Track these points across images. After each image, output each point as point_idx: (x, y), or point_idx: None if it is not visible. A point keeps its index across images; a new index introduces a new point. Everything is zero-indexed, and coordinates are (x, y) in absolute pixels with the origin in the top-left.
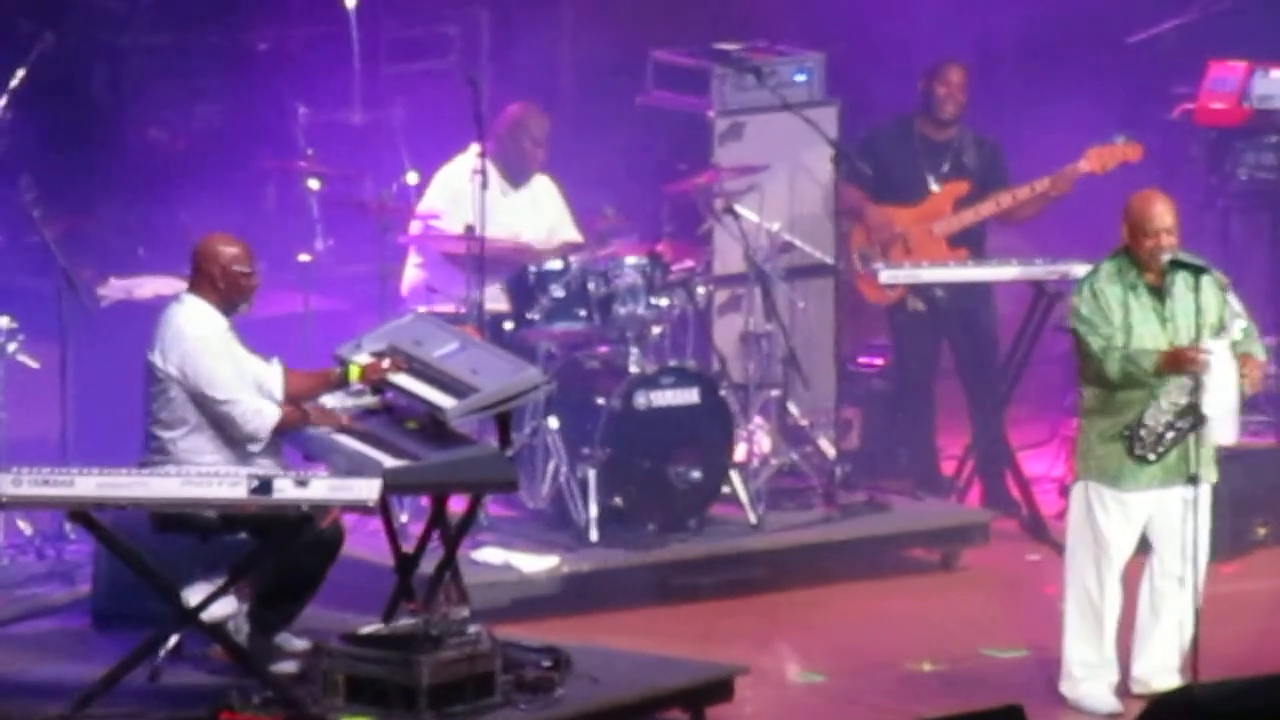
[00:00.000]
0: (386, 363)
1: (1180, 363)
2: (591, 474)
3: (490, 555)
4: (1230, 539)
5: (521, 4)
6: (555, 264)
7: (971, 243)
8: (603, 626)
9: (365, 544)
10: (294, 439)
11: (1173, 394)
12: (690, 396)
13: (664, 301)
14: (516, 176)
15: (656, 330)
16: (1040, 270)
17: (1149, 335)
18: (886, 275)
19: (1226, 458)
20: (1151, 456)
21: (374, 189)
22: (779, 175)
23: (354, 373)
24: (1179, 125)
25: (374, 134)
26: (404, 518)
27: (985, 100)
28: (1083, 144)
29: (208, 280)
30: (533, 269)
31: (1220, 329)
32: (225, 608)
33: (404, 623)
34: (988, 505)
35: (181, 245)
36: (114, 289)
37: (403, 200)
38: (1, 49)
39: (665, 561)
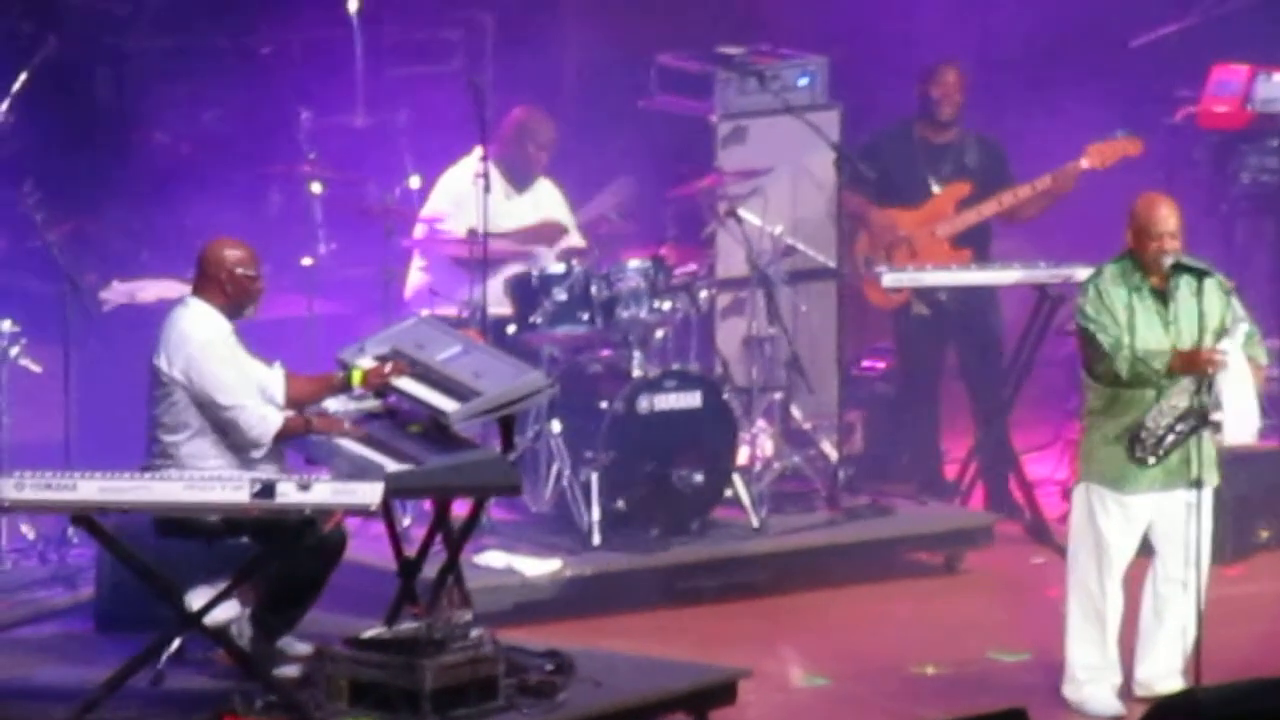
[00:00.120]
0: (389, 367)
1: (1196, 364)
2: (594, 477)
3: (493, 559)
4: (1233, 542)
5: (524, 8)
6: (558, 267)
7: (977, 244)
8: (606, 630)
9: (368, 548)
10: (296, 443)
11: (1174, 397)
12: (693, 400)
13: (667, 305)
14: (520, 180)
15: (659, 334)
16: (1044, 274)
17: (1152, 338)
18: (889, 279)
19: (1229, 461)
20: (1152, 459)
21: (377, 193)
22: (782, 179)
23: (357, 377)
24: (1182, 129)
25: (377, 138)
26: (406, 521)
27: (988, 105)
28: (1085, 146)
29: (214, 284)
30: (535, 272)
31: (1223, 332)
32: (228, 612)
33: (407, 627)
34: (991, 508)
35: (185, 249)
36: (117, 293)
37: (406, 204)
38: (4, 52)
39: (668, 565)
